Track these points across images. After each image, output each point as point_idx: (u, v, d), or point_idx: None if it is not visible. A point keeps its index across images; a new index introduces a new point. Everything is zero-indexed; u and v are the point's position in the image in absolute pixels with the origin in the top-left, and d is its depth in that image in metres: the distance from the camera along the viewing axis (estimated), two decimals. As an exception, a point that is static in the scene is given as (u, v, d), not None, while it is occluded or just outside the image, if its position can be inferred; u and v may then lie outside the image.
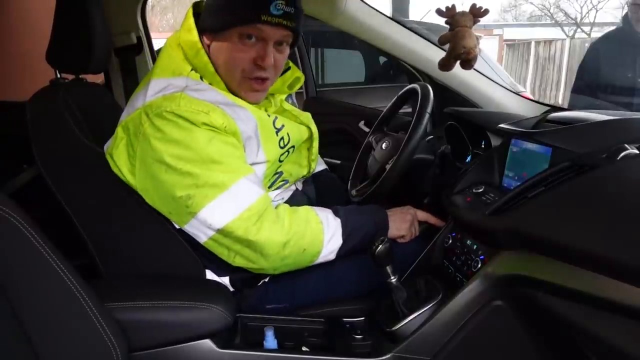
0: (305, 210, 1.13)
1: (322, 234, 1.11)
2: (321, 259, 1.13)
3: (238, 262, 1.08)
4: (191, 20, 1.09)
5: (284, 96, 1.28)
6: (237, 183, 1.03)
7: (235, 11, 1.05)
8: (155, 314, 1.01)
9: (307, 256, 1.11)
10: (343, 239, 1.13)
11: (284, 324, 1.14)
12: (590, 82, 2.41)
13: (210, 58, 1.09)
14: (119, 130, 1.08)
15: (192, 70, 1.09)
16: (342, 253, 1.14)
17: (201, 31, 1.10)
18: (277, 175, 1.21)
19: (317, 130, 1.32)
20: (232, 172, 1.04)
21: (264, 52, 1.07)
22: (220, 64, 1.10)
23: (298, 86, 1.29)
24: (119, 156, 1.07)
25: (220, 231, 1.03)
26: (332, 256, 1.14)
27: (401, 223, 1.24)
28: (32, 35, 2.54)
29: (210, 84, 1.10)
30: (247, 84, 1.11)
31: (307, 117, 1.31)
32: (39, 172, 1.14)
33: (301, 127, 1.27)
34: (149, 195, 1.07)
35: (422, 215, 1.29)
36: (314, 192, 1.37)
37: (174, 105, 1.01)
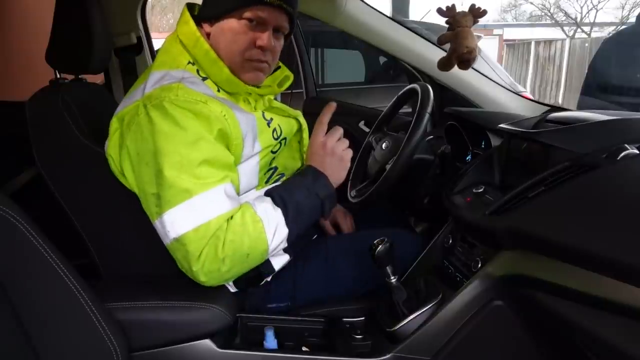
0: (241, 213, 1.05)
1: (264, 232, 1.06)
2: (272, 252, 1.10)
3: (187, 273, 1.05)
4: (187, 15, 1.11)
5: (272, 96, 1.29)
6: (204, 193, 1.01)
7: None
8: (155, 314, 1.01)
9: (253, 259, 1.07)
10: (289, 228, 1.09)
11: (284, 324, 1.14)
12: (602, 84, 2.32)
13: (211, 46, 1.10)
14: (114, 121, 1.09)
15: (189, 63, 1.10)
16: (293, 238, 1.10)
17: (200, 21, 1.12)
18: (272, 170, 1.22)
19: (306, 122, 1.34)
20: (204, 179, 1.01)
21: (264, 34, 1.10)
22: (221, 48, 1.11)
23: (287, 84, 1.29)
24: (113, 148, 1.08)
25: (176, 240, 1.01)
26: (283, 245, 1.11)
27: (339, 171, 1.18)
28: (32, 35, 2.54)
29: (208, 75, 1.11)
30: (249, 64, 1.13)
31: (294, 111, 1.33)
32: (39, 172, 1.14)
33: (290, 119, 1.29)
34: (133, 185, 1.08)
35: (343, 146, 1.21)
36: None
37: (172, 95, 1.02)
